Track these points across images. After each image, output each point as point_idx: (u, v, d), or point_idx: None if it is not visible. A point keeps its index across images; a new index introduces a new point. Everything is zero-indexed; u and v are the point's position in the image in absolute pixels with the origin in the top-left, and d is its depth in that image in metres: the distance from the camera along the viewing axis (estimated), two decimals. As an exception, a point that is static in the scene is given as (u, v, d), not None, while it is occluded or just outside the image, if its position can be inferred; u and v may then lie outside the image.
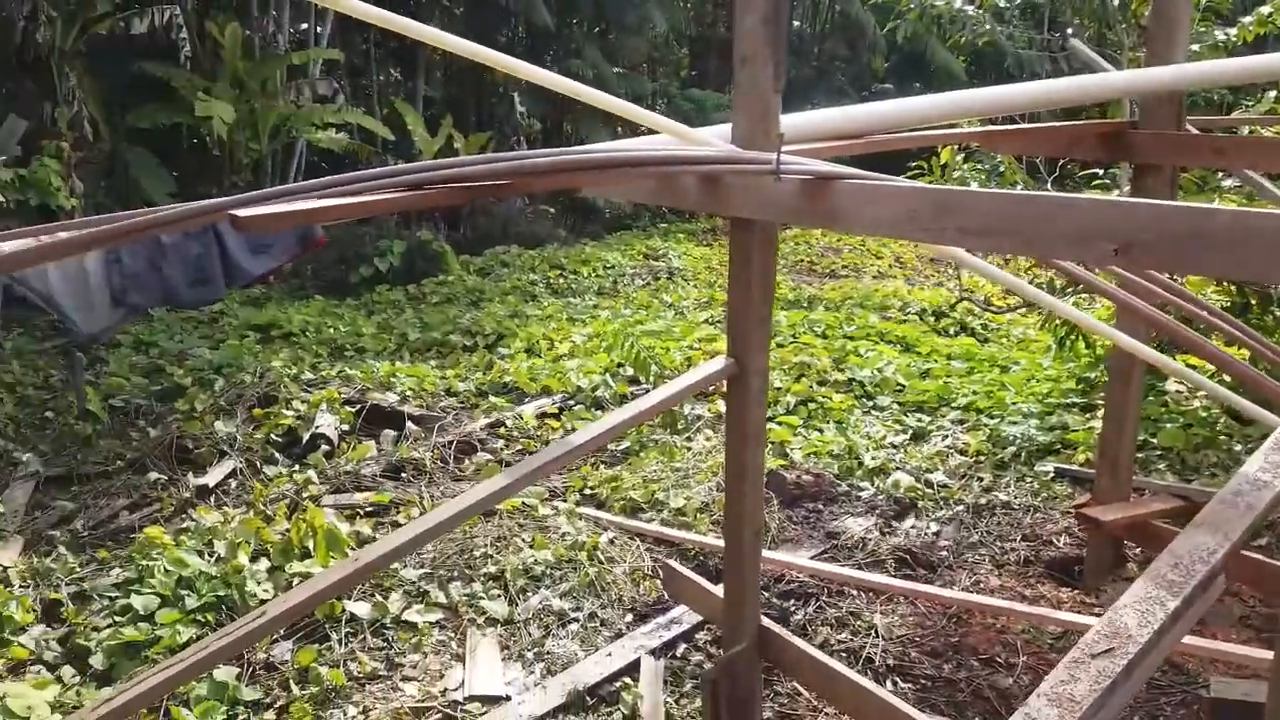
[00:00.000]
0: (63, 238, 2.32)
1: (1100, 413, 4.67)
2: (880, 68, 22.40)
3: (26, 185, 9.09)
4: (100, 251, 2.91)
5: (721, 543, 4.34)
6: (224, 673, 3.38)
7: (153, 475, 5.45)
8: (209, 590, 3.92)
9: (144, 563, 4.11)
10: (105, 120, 11.92)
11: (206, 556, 4.20)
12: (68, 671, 3.55)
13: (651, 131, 2.72)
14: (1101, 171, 6.46)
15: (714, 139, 2.65)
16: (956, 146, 6.23)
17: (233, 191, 13.11)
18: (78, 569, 4.35)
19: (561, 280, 11.26)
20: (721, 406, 6.16)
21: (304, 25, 14.76)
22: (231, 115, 11.85)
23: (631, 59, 19.12)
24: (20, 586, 4.21)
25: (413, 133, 15.14)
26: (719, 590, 3.13)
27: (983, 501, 4.82)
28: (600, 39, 18.53)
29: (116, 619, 3.81)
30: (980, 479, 5.09)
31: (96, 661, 3.58)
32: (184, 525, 4.67)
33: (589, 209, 16.88)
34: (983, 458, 5.34)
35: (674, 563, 3.28)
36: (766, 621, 2.96)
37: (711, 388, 5.37)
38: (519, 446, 5.75)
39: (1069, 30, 8.61)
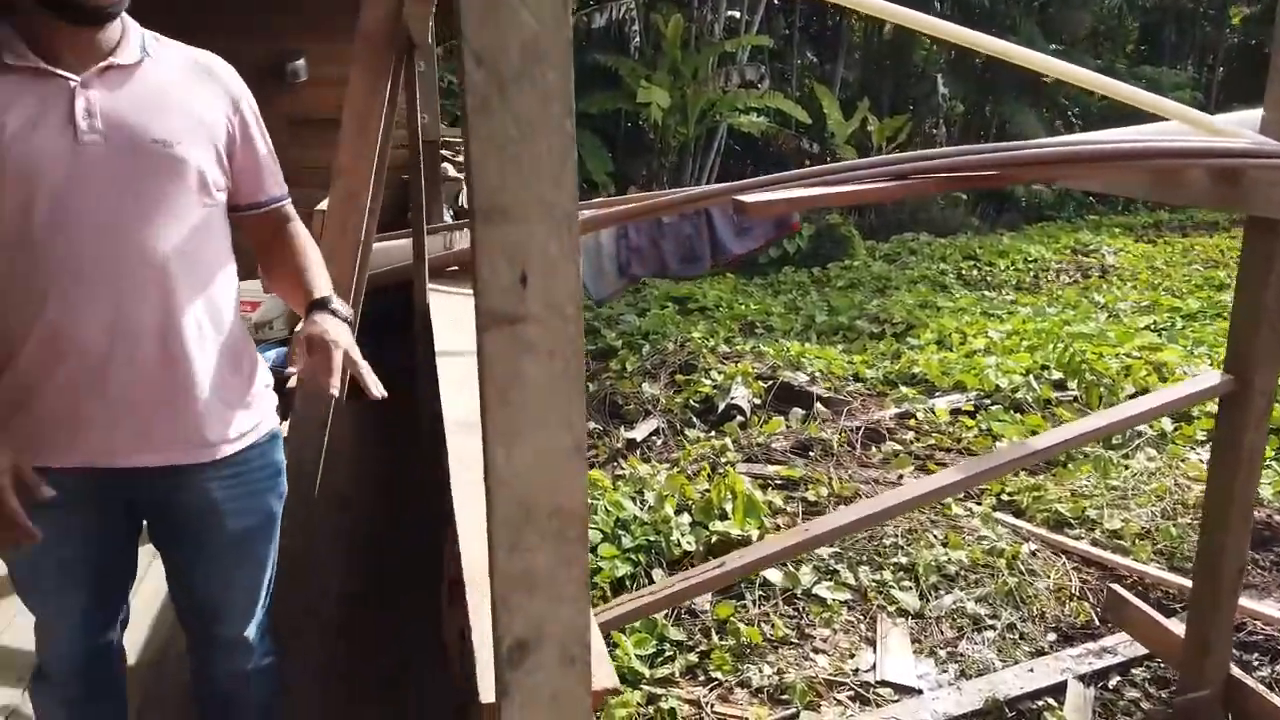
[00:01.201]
0: (587, 214, 2.70)
1: None
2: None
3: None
4: (613, 227, 3.34)
5: (1168, 575, 3.92)
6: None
7: (592, 424, 6.14)
8: (641, 534, 4.34)
9: (589, 500, 4.66)
10: (563, 107, 13.52)
11: (638, 503, 4.66)
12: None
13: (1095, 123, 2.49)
14: None
15: (1236, 128, 2.36)
16: None
17: (661, 172, 14.24)
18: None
19: (975, 272, 10.74)
20: (1167, 424, 5.51)
21: (735, 13, 15.45)
22: (667, 101, 12.81)
23: (1073, 33, 17.53)
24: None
25: (828, 115, 15.27)
26: (1174, 626, 2.84)
27: None
28: (1040, 13, 17.18)
29: (568, 546, 4.37)
30: None
31: (552, 579, 4.13)
32: (619, 472, 5.21)
33: (1005, 197, 15.85)
34: None
35: (1120, 588, 3.03)
36: (1236, 671, 2.63)
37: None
38: (930, 441, 5.62)
39: None
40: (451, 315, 2.25)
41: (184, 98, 1.38)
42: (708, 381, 6.49)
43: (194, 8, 6.03)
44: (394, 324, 2.75)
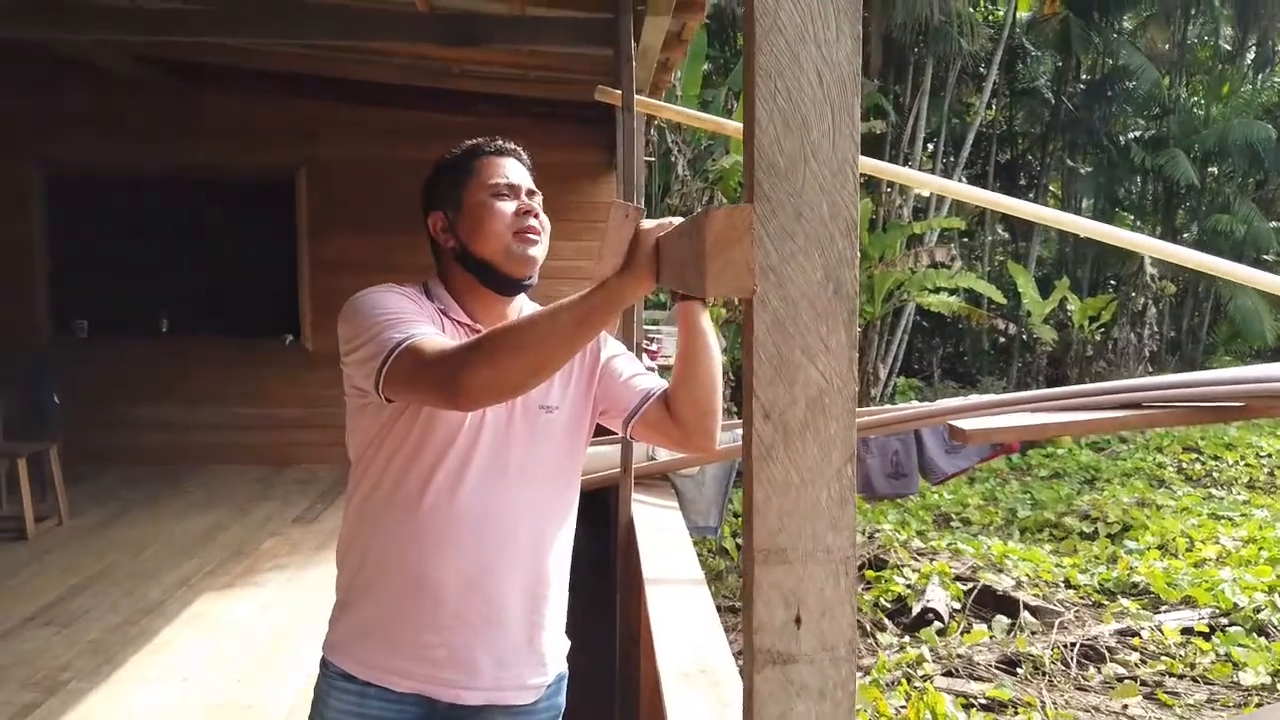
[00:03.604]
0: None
1: None
2: None
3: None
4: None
5: None
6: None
7: (777, 618, 5.92)
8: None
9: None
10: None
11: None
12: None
13: None
14: None
15: None
16: None
17: (846, 350, 14.18)
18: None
19: (1198, 466, 9.84)
20: None
21: (925, 193, 15.59)
22: (854, 282, 12.91)
23: (1294, 210, 16.49)
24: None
25: (1023, 294, 14.89)
26: None
27: None
28: (1255, 190, 16.35)
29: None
30: None
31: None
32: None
33: (1227, 381, 14.63)
34: None
35: None
36: None
37: None
38: (1160, 666, 5.02)
39: None
40: (656, 530, 2.25)
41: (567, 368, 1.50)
42: (900, 580, 6.16)
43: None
44: (592, 523, 2.79)
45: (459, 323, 1.48)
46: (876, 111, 14.05)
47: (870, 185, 14.79)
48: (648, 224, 1.20)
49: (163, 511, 5.55)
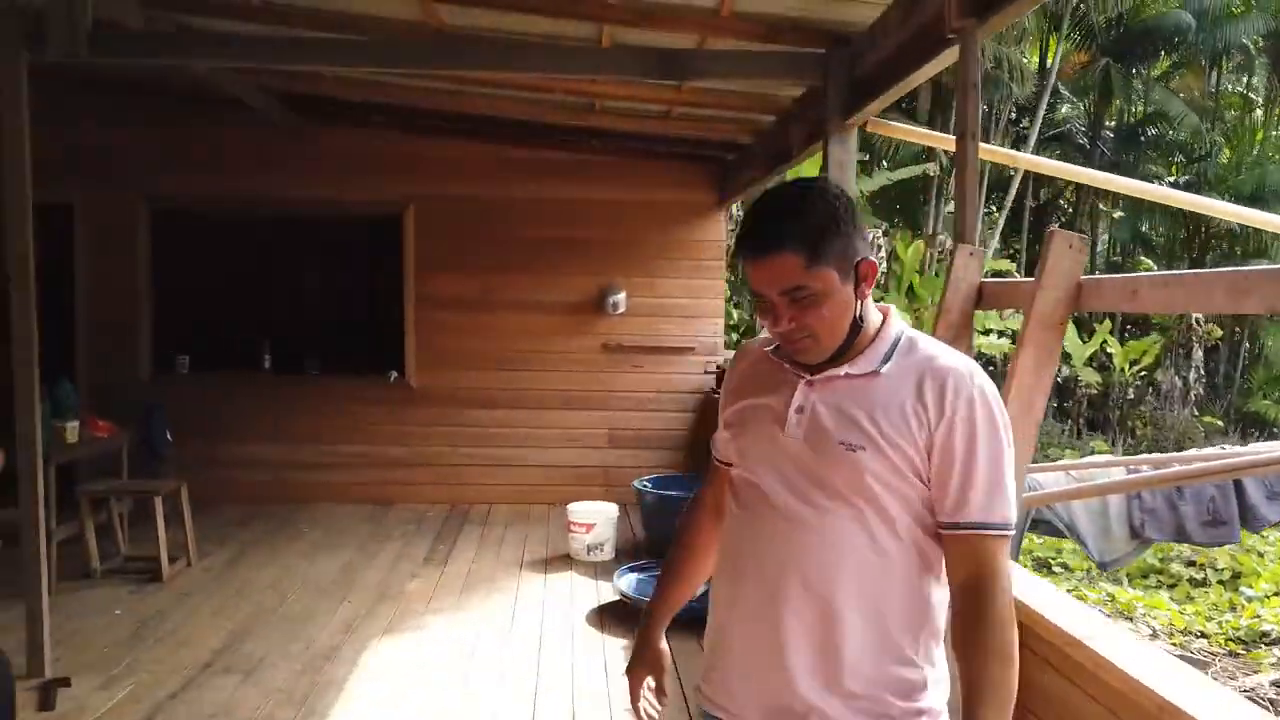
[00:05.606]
0: (1095, 483, 2.59)
1: None
2: None
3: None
4: (1123, 484, 3.19)
5: None
6: None
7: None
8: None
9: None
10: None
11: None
12: None
13: None
14: None
15: None
16: None
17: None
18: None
19: (1278, 510, 9.71)
20: None
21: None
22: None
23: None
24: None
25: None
26: None
27: None
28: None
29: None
30: None
31: None
32: None
33: (1265, 422, 14.58)
34: None
35: None
36: None
37: None
38: (1335, 719, 4.85)
39: None
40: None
41: (891, 410, 1.32)
42: (1029, 627, 5.99)
43: (546, 252, 6.73)
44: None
45: (796, 367, 1.39)
46: (928, 154, 14.12)
47: (920, 227, 14.81)
48: None
49: (284, 551, 5.38)
